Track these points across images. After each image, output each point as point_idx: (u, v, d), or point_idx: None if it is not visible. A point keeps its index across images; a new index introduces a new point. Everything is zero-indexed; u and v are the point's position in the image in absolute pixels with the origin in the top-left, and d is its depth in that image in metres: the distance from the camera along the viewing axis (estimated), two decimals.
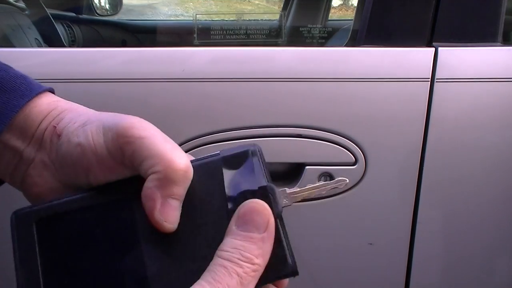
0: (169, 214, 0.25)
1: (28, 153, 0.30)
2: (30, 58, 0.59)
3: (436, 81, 0.56)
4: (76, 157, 0.27)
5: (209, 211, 0.26)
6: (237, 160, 0.29)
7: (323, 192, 0.29)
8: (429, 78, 0.56)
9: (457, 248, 0.62)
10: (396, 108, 0.56)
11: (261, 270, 0.23)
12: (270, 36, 0.79)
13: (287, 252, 0.27)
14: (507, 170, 0.58)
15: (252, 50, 0.60)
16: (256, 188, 0.27)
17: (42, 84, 0.32)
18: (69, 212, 0.27)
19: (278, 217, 0.26)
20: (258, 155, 0.29)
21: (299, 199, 0.29)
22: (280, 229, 0.27)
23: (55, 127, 0.29)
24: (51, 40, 1.10)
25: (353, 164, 0.57)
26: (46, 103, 0.30)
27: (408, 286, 0.63)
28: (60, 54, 0.60)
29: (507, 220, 0.61)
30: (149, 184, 0.25)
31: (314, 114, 0.56)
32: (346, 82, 0.56)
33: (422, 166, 0.57)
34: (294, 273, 0.27)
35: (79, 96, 0.56)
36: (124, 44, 1.45)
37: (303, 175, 0.56)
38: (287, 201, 0.29)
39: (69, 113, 0.30)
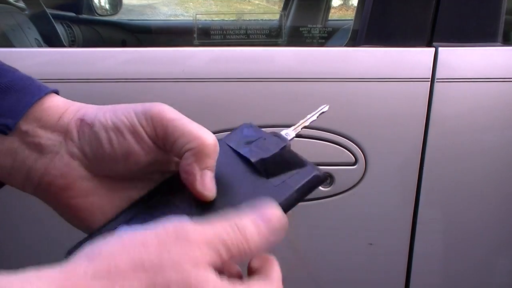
0: (208, 184, 0.28)
1: (51, 145, 0.30)
2: (30, 58, 0.59)
3: (436, 81, 0.56)
4: (117, 143, 0.29)
5: (236, 178, 0.30)
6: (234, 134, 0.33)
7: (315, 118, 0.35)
8: (429, 78, 0.56)
9: (457, 248, 0.62)
10: (396, 108, 0.56)
11: (244, 256, 0.24)
12: (270, 36, 0.79)
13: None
14: (507, 170, 0.58)
15: (252, 50, 0.60)
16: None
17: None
18: None
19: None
20: (250, 125, 0.33)
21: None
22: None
23: (81, 119, 0.31)
24: (51, 40, 1.10)
25: (353, 164, 0.57)
26: (61, 101, 0.32)
27: (408, 286, 0.63)
28: (60, 54, 0.60)
29: (507, 220, 0.61)
30: (187, 161, 0.28)
31: None
32: (346, 82, 0.56)
33: (422, 166, 0.57)
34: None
35: (79, 96, 0.56)
36: (124, 44, 1.45)
37: None
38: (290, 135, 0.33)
39: (89, 108, 0.31)
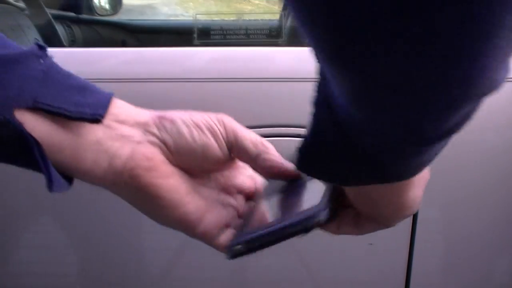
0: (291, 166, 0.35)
1: (133, 136, 0.34)
2: None
3: None
4: (198, 137, 0.35)
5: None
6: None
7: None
8: None
9: (457, 248, 0.62)
10: None
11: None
12: (270, 36, 0.79)
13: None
14: (507, 170, 0.58)
15: (252, 50, 0.60)
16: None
17: None
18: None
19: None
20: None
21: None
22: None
23: (161, 117, 0.35)
24: (51, 40, 1.10)
25: None
26: (125, 102, 0.36)
27: (408, 286, 0.63)
28: (60, 54, 0.60)
29: (507, 220, 0.61)
30: (266, 162, 0.35)
31: None
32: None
33: None
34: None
35: None
36: (124, 44, 1.45)
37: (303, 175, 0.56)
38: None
39: (161, 110, 0.37)
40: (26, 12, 1.13)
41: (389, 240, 0.61)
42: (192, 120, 0.36)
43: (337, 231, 0.35)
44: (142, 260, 0.63)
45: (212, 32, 0.73)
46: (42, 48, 0.33)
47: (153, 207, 0.34)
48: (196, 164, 0.35)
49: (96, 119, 0.32)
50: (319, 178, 0.31)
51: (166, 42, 1.39)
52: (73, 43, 1.30)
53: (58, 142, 0.32)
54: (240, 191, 0.38)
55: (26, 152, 0.31)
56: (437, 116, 0.21)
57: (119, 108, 0.34)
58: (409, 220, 0.60)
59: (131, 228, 0.60)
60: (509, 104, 0.57)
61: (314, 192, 0.34)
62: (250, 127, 0.59)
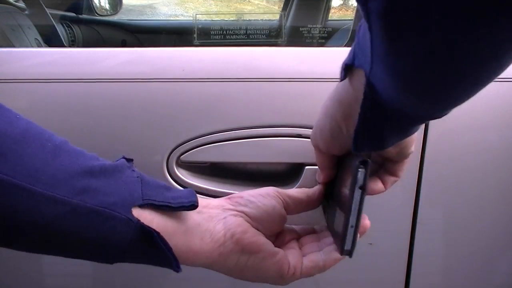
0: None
1: (218, 214, 0.43)
2: (30, 58, 0.59)
3: None
4: (269, 204, 0.45)
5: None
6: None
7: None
8: None
9: (457, 248, 0.62)
10: None
11: None
12: (270, 36, 0.79)
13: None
14: (508, 170, 0.58)
15: (252, 50, 0.60)
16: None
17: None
18: None
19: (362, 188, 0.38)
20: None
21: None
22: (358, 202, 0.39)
23: (230, 197, 0.45)
24: (51, 40, 1.10)
25: None
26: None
27: (408, 286, 0.63)
28: (60, 54, 0.60)
29: (507, 220, 0.61)
30: (314, 192, 0.49)
31: (314, 114, 0.56)
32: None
33: (422, 166, 0.57)
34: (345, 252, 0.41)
35: (79, 96, 0.56)
36: (124, 44, 1.45)
37: (303, 175, 0.56)
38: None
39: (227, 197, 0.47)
40: (26, 12, 1.13)
41: (389, 240, 0.61)
42: (255, 193, 0.45)
43: (385, 187, 0.48)
44: None
45: (212, 32, 0.73)
46: (129, 160, 0.40)
47: (256, 263, 0.42)
48: (267, 224, 0.44)
49: (193, 205, 0.39)
50: (369, 151, 0.38)
51: (166, 42, 1.39)
52: (73, 43, 1.30)
53: (171, 229, 0.38)
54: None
55: (148, 243, 0.36)
56: (456, 100, 0.30)
57: (199, 199, 0.41)
58: (409, 220, 0.60)
59: None
60: (509, 104, 0.57)
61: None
62: (250, 127, 0.60)
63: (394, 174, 0.47)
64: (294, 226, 0.50)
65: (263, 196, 0.45)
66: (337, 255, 0.44)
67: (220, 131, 0.56)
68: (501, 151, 0.58)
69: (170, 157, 0.57)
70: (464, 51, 0.24)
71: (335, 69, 0.40)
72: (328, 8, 1.27)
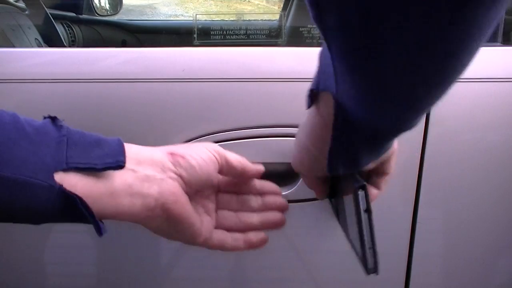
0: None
1: (155, 175, 0.41)
2: (30, 58, 0.59)
3: None
4: (205, 171, 0.44)
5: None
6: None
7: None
8: None
9: (457, 248, 0.62)
10: None
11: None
12: (270, 36, 0.79)
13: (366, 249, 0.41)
14: (507, 170, 0.58)
15: (252, 50, 0.60)
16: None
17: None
18: None
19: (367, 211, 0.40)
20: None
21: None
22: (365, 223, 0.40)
23: (172, 153, 0.43)
24: (51, 40, 1.10)
25: None
26: (133, 145, 0.42)
27: (408, 286, 0.63)
28: (60, 54, 0.60)
29: (507, 220, 0.61)
30: (250, 167, 0.49)
31: None
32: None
33: (422, 166, 0.57)
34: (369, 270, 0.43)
35: (79, 96, 0.56)
36: (124, 44, 1.45)
37: None
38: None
39: (171, 146, 0.45)
40: (26, 12, 1.13)
41: (389, 240, 0.61)
42: (197, 154, 0.44)
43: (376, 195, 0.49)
44: (142, 260, 0.63)
45: (212, 32, 0.73)
46: (55, 118, 0.38)
47: (176, 230, 0.43)
48: (198, 188, 0.45)
49: (120, 165, 0.38)
50: (344, 172, 0.40)
51: (166, 42, 1.39)
52: (73, 43, 1.30)
53: (96, 193, 0.36)
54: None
55: (71, 209, 0.35)
56: (416, 113, 0.31)
57: (134, 151, 0.40)
58: (409, 220, 0.60)
59: (129, 228, 0.60)
60: (509, 104, 0.57)
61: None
62: (250, 127, 0.60)
63: (377, 187, 0.49)
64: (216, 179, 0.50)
65: (204, 161, 0.44)
66: (241, 247, 0.48)
67: (220, 131, 0.56)
68: (501, 151, 0.58)
69: None
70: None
71: (306, 93, 0.40)
72: None
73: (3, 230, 0.61)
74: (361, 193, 0.39)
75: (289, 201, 0.58)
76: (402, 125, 0.33)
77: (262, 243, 0.49)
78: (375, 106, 0.31)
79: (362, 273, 0.65)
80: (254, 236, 0.48)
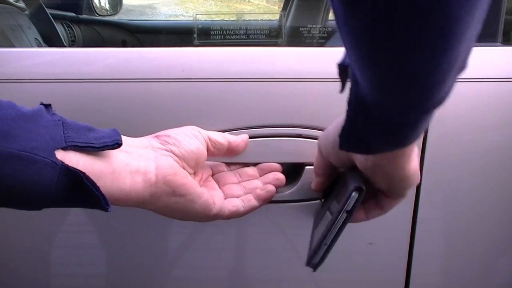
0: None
1: (148, 153, 0.43)
2: (30, 58, 0.59)
3: None
4: (194, 145, 0.46)
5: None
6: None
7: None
8: None
9: (457, 248, 0.62)
10: None
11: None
12: (270, 36, 0.79)
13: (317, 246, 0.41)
14: (507, 170, 0.58)
15: (252, 50, 0.60)
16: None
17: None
18: None
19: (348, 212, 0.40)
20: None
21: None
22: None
23: (157, 136, 0.46)
24: (51, 40, 1.10)
25: None
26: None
27: (408, 286, 0.63)
28: (60, 54, 0.60)
29: (507, 220, 0.61)
30: (235, 140, 0.54)
31: (314, 114, 0.56)
32: (346, 82, 0.56)
33: (422, 166, 0.57)
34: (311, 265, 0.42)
35: (79, 96, 0.56)
36: (124, 44, 1.45)
37: (303, 175, 0.56)
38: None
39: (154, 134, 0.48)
40: (26, 12, 1.13)
41: (389, 240, 0.61)
42: (180, 131, 0.46)
43: (366, 217, 0.46)
44: (142, 260, 0.63)
45: (212, 32, 0.73)
46: (47, 105, 0.39)
47: (187, 206, 0.44)
48: (192, 163, 0.46)
49: (117, 144, 0.39)
50: (354, 151, 0.38)
51: (166, 42, 1.39)
52: (73, 43, 1.30)
53: (98, 170, 0.37)
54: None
55: (76, 186, 0.35)
56: (429, 92, 0.30)
57: (124, 138, 0.41)
58: (409, 220, 0.60)
59: (130, 229, 0.60)
60: (509, 104, 0.57)
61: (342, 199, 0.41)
62: (250, 127, 0.60)
63: (382, 207, 0.46)
64: (207, 162, 0.52)
65: (188, 136, 0.46)
66: (255, 203, 0.50)
67: (219, 132, 0.56)
68: (501, 151, 0.58)
69: None
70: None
71: (335, 69, 0.40)
72: (328, 8, 1.27)
73: (3, 230, 0.61)
74: (354, 194, 0.39)
75: (289, 201, 0.58)
76: (408, 104, 0.31)
77: (272, 193, 0.51)
78: (376, 78, 0.30)
79: (362, 273, 0.65)
80: (261, 190, 0.51)
